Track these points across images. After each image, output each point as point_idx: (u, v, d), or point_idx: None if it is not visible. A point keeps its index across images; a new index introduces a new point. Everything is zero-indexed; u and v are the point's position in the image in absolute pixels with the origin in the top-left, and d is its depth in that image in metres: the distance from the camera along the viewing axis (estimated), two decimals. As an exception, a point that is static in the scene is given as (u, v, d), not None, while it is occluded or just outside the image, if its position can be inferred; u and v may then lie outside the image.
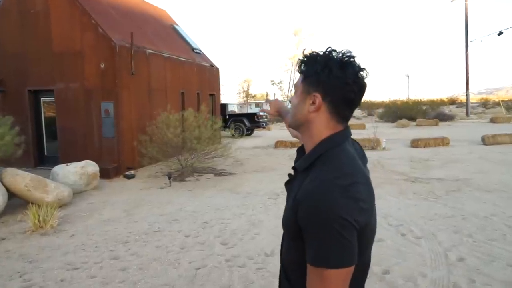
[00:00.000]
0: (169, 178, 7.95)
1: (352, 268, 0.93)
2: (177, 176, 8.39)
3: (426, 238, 4.29)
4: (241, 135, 17.73)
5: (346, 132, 1.09)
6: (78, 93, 9.02)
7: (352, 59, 1.05)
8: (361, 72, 1.05)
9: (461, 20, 37.52)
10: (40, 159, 9.77)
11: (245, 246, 4.26)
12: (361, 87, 1.05)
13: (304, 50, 1.14)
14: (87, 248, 4.39)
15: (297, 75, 1.15)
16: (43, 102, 9.69)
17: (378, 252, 3.92)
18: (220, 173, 8.87)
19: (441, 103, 38.05)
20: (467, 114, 28.54)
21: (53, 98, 9.30)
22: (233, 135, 13.08)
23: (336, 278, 0.91)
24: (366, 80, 1.06)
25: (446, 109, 29.44)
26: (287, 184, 1.17)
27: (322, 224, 0.90)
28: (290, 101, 1.18)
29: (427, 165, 8.97)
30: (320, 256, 0.91)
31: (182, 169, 8.63)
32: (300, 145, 1.23)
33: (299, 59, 1.12)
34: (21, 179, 5.86)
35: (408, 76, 61.10)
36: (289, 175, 1.18)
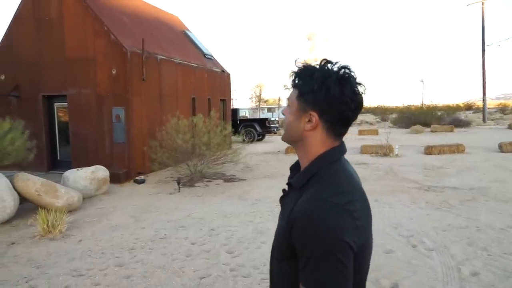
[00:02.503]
0: (178, 183, 7.95)
1: None
2: (187, 182, 8.39)
3: (438, 251, 4.14)
4: (252, 140, 17.69)
5: (342, 148, 1.07)
6: (90, 98, 9.14)
7: (348, 75, 1.00)
8: (358, 88, 1.01)
9: (478, 24, 36.87)
10: (53, 163, 9.92)
11: (250, 255, 4.20)
12: (358, 104, 1.02)
13: (296, 61, 1.09)
14: (93, 254, 4.39)
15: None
16: (57, 107, 9.87)
17: (388, 264, 3.80)
18: (230, 179, 8.84)
19: (457, 108, 37.26)
20: (484, 120, 27.86)
21: (66, 103, 9.44)
22: (243, 140, 13.04)
23: None
24: (363, 95, 1.03)
25: (462, 115, 28.80)
26: (281, 199, 1.13)
27: (319, 246, 0.88)
28: (283, 114, 1.14)
29: (441, 173, 8.75)
30: (314, 278, 0.88)
31: (191, 175, 8.63)
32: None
33: (292, 71, 1.07)
34: (32, 184, 5.94)
35: (423, 81, 60.29)
36: (284, 190, 1.14)
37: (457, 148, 12.05)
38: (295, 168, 1.15)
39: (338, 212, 0.90)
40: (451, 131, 21.08)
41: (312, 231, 0.89)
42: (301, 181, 1.03)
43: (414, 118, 24.94)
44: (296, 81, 1.05)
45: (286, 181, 1.16)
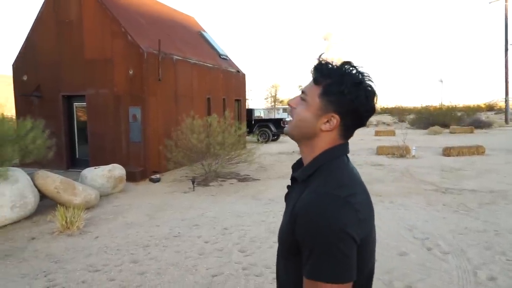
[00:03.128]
0: (193, 182, 8.04)
1: (349, 285, 0.90)
2: (201, 181, 8.47)
3: (454, 254, 4.06)
4: (267, 140, 17.69)
5: (346, 146, 1.08)
6: (108, 98, 9.34)
7: (372, 84, 1.03)
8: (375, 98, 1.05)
9: (501, 22, 35.81)
10: (72, 161, 10.17)
11: (263, 254, 4.21)
12: (373, 113, 1.06)
13: (320, 56, 1.07)
14: (109, 250, 4.49)
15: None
16: (76, 107, 10.11)
17: (401, 266, 3.76)
18: (244, 179, 8.87)
19: (478, 109, 36.30)
20: (506, 121, 27.04)
21: (85, 103, 9.67)
22: (258, 140, 13.06)
23: None
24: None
25: (483, 116, 28.04)
26: (286, 196, 1.15)
27: (321, 237, 0.88)
28: (291, 105, 1.09)
29: (459, 175, 8.56)
30: (317, 269, 0.89)
31: (206, 174, 8.71)
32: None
33: (318, 67, 1.04)
34: (52, 181, 6.11)
35: (442, 81, 58.98)
36: (288, 186, 1.15)
37: (477, 150, 11.75)
38: (297, 166, 1.15)
39: (339, 205, 0.91)
40: (471, 132, 20.55)
41: (314, 223, 0.90)
42: (304, 175, 1.04)
43: (432, 119, 24.44)
44: (322, 79, 1.02)
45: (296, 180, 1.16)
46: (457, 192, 6.98)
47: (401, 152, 11.63)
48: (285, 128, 1.12)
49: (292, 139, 1.12)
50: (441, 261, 3.89)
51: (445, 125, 22.67)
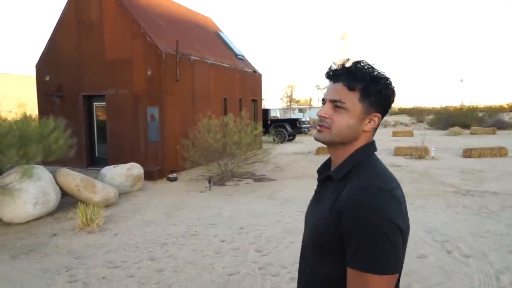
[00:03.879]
0: (209, 182, 8.10)
1: (396, 276, 0.92)
2: (217, 181, 8.53)
3: (475, 257, 3.97)
4: (283, 140, 17.65)
5: (375, 143, 1.13)
6: (127, 98, 9.51)
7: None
8: None
9: (524, 20, 34.63)
10: (92, 160, 10.40)
11: (279, 254, 4.21)
12: None
13: (348, 60, 1.09)
14: (127, 248, 4.57)
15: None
16: (95, 106, 10.34)
17: (420, 269, 3.69)
18: (260, 179, 8.89)
19: (500, 109, 35.26)
20: (530, 121, 26.16)
21: (104, 103, 9.88)
22: (274, 140, 13.04)
23: (380, 284, 0.90)
24: None
25: (506, 116, 27.22)
26: (317, 196, 1.16)
27: (371, 228, 0.91)
28: (322, 116, 1.08)
29: (480, 177, 8.34)
30: (366, 261, 0.91)
31: (222, 174, 8.76)
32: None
33: (351, 72, 1.05)
34: (72, 179, 6.27)
35: (462, 81, 57.56)
36: (319, 186, 1.17)
37: (499, 152, 11.42)
38: (324, 170, 1.19)
39: (387, 197, 0.94)
40: (493, 133, 20.00)
41: (365, 215, 0.92)
42: (342, 172, 1.06)
43: (452, 119, 23.91)
44: (357, 83, 1.04)
45: (316, 182, 1.18)
46: (478, 194, 6.80)
47: (420, 153, 11.42)
48: (318, 136, 1.11)
49: (327, 145, 1.12)
50: (462, 264, 3.81)
51: (465, 126, 22.14)
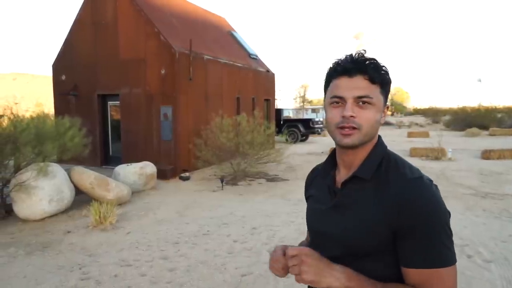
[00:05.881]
0: (222, 181, 8.07)
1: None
2: (230, 180, 8.49)
3: (497, 263, 3.82)
4: (295, 140, 17.53)
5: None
6: (140, 97, 9.57)
7: None
8: None
9: (546, 18, 33.59)
10: (106, 158, 10.51)
11: (292, 256, 4.13)
12: None
13: (363, 51, 1.02)
14: (140, 246, 4.57)
15: None
16: (110, 105, 10.44)
17: (439, 273, 3.56)
18: (272, 179, 8.82)
19: (520, 110, 34.30)
20: (551, 123, 25.35)
21: (118, 102, 9.96)
22: (286, 140, 12.95)
23: (452, 275, 0.90)
24: None
25: (526, 117, 26.44)
26: (335, 205, 1.04)
27: (437, 220, 0.89)
28: (350, 117, 0.97)
29: (500, 179, 8.09)
30: (437, 254, 0.89)
31: (234, 173, 8.73)
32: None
33: (372, 65, 0.98)
34: (87, 177, 6.32)
35: (480, 81, 56.26)
36: (334, 196, 1.05)
37: (520, 153, 11.07)
38: (328, 172, 1.12)
39: (435, 187, 0.95)
40: (513, 134, 19.45)
41: (428, 207, 0.90)
42: (371, 169, 1.00)
43: (469, 120, 23.34)
44: (378, 75, 0.98)
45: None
46: (499, 197, 6.59)
47: (436, 154, 11.16)
48: (348, 140, 0.98)
49: (356, 148, 1.01)
50: (483, 269, 3.66)
51: (484, 127, 21.59)
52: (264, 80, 14.28)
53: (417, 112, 45.33)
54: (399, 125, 29.65)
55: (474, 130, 20.03)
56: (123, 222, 5.60)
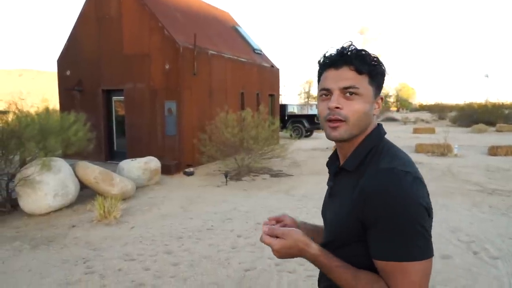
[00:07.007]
0: (226, 177, 8.06)
1: (431, 260, 0.88)
2: (234, 175, 8.48)
3: (504, 259, 3.77)
4: (300, 136, 17.48)
5: (382, 126, 1.07)
6: (145, 92, 9.56)
7: None
8: None
9: (555, 12, 33.11)
10: (110, 153, 10.53)
11: (296, 251, 4.11)
12: None
13: (351, 43, 1.00)
14: (144, 241, 4.57)
15: None
16: (114, 101, 10.44)
17: (445, 270, 3.53)
18: (276, 174, 8.79)
19: (528, 106, 33.87)
20: (559, 119, 25.03)
21: (123, 97, 9.96)
22: (291, 135, 12.94)
23: (419, 271, 0.86)
24: None
25: (534, 114, 26.11)
26: (330, 194, 1.11)
27: (401, 213, 0.86)
28: (336, 108, 0.97)
29: (508, 176, 7.99)
30: (401, 249, 0.86)
31: (238, 169, 8.71)
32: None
33: (359, 56, 0.98)
34: (91, 172, 6.34)
35: (488, 76, 55.64)
36: (332, 180, 1.12)
37: (527, 149, 10.93)
38: (333, 162, 1.13)
39: (411, 179, 0.89)
40: (520, 131, 19.23)
41: (392, 200, 0.87)
42: (356, 161, 1.00)
43: (476, 116, 23.12)
44: (366, 67, 0.98)
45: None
46: (506, 193, 6.51)
47: (442, 150, 11.06)
48: (336, 134, 0.98)
49: (345, 141, 1.01)
50: (490, 266, 3.62)
51: (491, 123, 21.37)
52: (268, 75, 14.21)
53: (423, 108, 44.98)
54: (405, 121, 29.44)
55: (481, 126, 19.83)
56: (127, 216, 5.61)
